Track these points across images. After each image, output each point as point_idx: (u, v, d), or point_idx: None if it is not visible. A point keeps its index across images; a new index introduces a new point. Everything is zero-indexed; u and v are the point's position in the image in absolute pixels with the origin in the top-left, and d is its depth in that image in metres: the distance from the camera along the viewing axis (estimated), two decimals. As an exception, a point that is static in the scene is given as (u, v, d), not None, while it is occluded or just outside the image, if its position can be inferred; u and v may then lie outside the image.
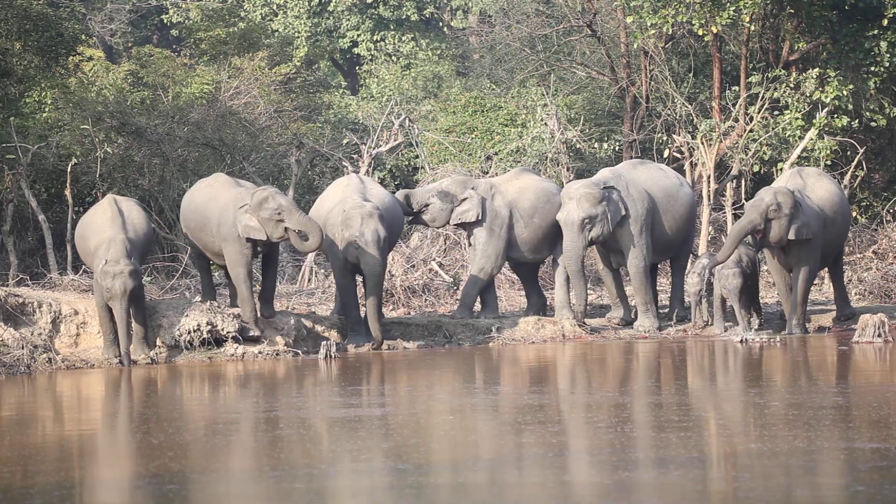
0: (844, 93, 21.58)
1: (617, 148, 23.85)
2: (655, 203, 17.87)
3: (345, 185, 17.40)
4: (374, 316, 16.38)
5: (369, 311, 16.43)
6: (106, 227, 15.89)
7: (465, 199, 17.92)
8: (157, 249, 20.68)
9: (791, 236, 16.94)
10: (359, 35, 35.76)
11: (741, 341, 16.66)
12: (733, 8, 20.86)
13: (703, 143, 21.50)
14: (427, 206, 17.94)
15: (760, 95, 21.80)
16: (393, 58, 35.44)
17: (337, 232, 16.56)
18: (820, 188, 17.70)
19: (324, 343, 15.99)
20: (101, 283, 15.46)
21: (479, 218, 17.86)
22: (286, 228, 16.03)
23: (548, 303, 18.62)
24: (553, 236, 18.00)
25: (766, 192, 17.06)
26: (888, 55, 21.55)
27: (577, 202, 17.41)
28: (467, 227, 18.05)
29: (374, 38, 35.77)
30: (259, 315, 16.32)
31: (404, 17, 35.60)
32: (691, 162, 21.83)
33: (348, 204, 16.59)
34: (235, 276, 16.39)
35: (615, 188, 17.66)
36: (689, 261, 18.64)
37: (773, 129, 21.81)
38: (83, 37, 24.56)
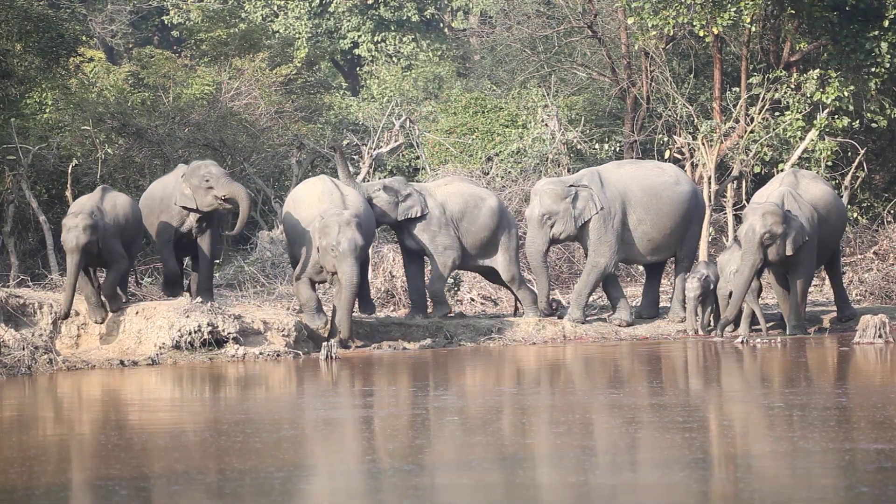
0: (845, 94, 21.58)
1: (618, 149, 23.86)
2: (633, 202, 17.69)
3: (321, 191, 17.20)
4: (344, 314, 16.29)
5: (341, 310, 16.35)
6: (84, 199, 16.17)
7: (408, 195, 17.82)
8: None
9: (789, 252, 16.80)
10: (359, 36, 35.78)
11: (742, 342, 16.67)
12: (734, 9, 20.87)
13: (703, 144, 21.49)
14: (371, 199, 17.74)
15: (761, 96, 21.80)
16: (394, 59, 35.46)
17: (314, 239, 16.51)
18: (814, 187, 17.68)
19: (325, 344, 15.98)
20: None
21: (423, 212, 17.73)
22: (215, 197, 16.47)
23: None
24: (488, 241, 17.91)
25: (755, 219, 16.73)
26: (889, 56, 21.56)
27: (540, 198, 17.39)
28: (407, 227, 17.91)
29: (375, 39, 35.80)
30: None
31: (405, 18, 35.63)
32: (692, 163, 21.82)
33: (327, 211, 16.57)
34: (159, 243, 17.01)
35: (587, 187, 17.54)
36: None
37: (773, 129, 21.81)
38: (84, 38, 24.59)
